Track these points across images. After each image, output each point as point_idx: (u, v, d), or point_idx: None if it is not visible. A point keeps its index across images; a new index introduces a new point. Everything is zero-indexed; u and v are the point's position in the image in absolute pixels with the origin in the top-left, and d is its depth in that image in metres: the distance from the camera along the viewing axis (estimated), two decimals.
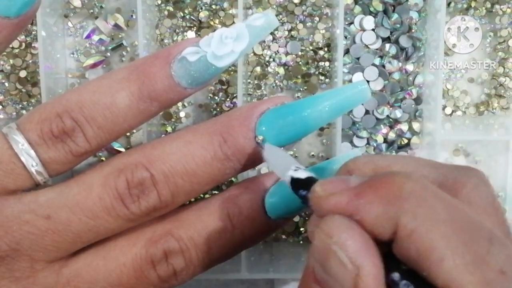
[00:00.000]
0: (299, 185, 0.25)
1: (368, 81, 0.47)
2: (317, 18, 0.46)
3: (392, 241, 0.22)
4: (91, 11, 0.46)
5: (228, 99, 0.47)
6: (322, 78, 0.47)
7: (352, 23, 0.47)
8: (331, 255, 0.22)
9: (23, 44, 0.46)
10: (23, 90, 0.46)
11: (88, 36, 0.46)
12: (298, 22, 0.46)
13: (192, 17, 0.46)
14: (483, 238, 0.21)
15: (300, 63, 0.47)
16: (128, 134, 0.46)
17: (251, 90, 0.47)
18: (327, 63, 0.47)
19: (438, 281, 0.20)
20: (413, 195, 0.21)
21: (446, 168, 0.25)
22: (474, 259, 0.20)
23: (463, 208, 0.22)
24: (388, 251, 0.22)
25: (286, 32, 0.47)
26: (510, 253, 0.21)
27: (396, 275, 0.21)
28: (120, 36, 0.46)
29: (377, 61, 0.47)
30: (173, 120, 0.47)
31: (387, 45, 0.47)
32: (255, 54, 0.47)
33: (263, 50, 0.47)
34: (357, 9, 0.46)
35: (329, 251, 0.22)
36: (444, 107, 0.48)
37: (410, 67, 0.47)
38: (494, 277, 0.20)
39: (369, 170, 0.26)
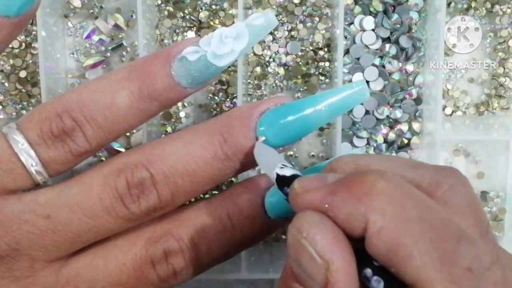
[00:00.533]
0: (284, 182, 0.26)
1: (368, 81, 0.47)
2: (317, 18, 0.46)
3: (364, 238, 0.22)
4: (91, 11, 0.46)
5: (228, 99, 0.47)
6: (322, 78, 0.47)
7: (352, 23, 0.47)
8: (301, 250, 0.22)
9: (23, 44, 0.46)
10: (23, 90, 0.46)
11: (88, 36, 0.46)
12: (298, 22, 0.46)
13: (192, 17, 0.46)
14: (452, 236, 0.21)
15: (300, 63, 0.47)
16: (128, 134, 0.46)
17: (251, 90, 0.47)
18: (327, 63, 0.47)
19: (406, 277, 0.21)
20: (384, 193, 0.22)
21: (425, 168, 0.25)
22: (441, 257, 0.21)
23: (434, 207, 0.22)
24: (362, 248, 0.22)
25: (286, 32, 0.47)
26: (479, 252, 0.21)
27: (368, 271, 0.22)
28: (120, 36, 0.46)
29: (377, 61, 0.47)
30: (173, 120, 0.47)
31: (387, 45, 0.47)
32: (255, 54, 0.47)
33: (263, 50, 0.47)
34: (357, 9, 0.46)
35: (300, 246, 0.22)
36: (444, 107, 0.48)
37: (410, 67, 0.47)
38: (461, 274, 0.20)
39: (351, 168, 0.26)
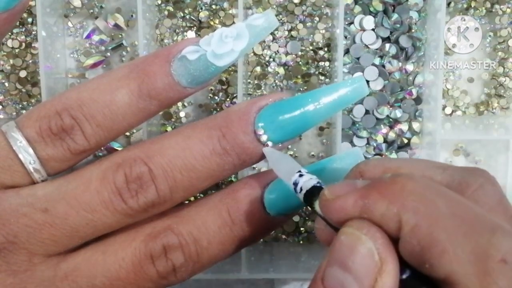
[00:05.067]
0: (308, 195, 0.26)
1: (368, 81, 0.47)
2: (317, 18, 0.46)
3: (398, 239, 0.22)
4: (91, 11, 0.46)
5: (228, 99, 0.47)
6: (322, 78, 0.47)
7: (352, 23, 0.47)
8: (359, 245, 0.22)
9: (23, 44, 0.46)
10: (23, 90, 0.46)
11: (88, 36, 0.46)
12: (298, 22, 0.46)
13: (192, 17, 0.46)
14: (485, 229, 0.21)
15: (300, 63, 0.47)
16: (128, 134, 0.46)
17: (251, 90, 0.47)
18: (327, 63, 0.47)
19: (440, 273, 0.21)
20: (414, 192, 0.22)
21: (453, 170, 0.26)
22: (475, 250, 0.21)
23: (465, 202, 0.23)
24: None
25: (286, 32, 0.47)
26: None
27: (407, 272, 0.22)
28: (120, 36, 0.46)
29: (377, 61, 0.47)
30: (173, 120, 0.47)
31: (387, 45, 0.47)
32: (255, 54, 0.47)
33: (263, 50, 0.47)
34: (357, 9, 0.47)
35: (358, 242, 0.22)
36: (444, 107, 0.48)
37: (410, 67, 0.47)
38: (495, 267, 0.21)
39: (379, 172, 0.27)
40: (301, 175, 0.27)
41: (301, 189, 0.26)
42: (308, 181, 0.26)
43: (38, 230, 0.28)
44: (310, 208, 0.26)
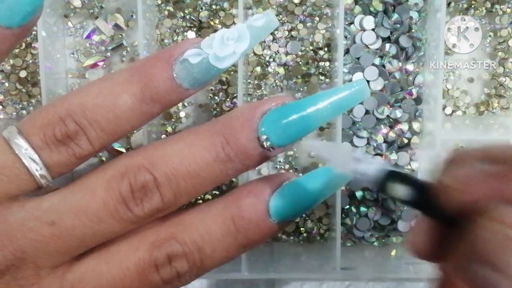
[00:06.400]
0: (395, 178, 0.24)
1: (368, 81, 0.47)
2: (317, 18, 0.46)
3: None
4: (91, 11, 0.46)
5: (228, 99, 0.47)
6: (322, 78, 0.47)
7: (352, 23, 0.47)
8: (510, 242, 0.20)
9: (23, 44, 0.46)
10: (23, 90, 0.46)
11: (88, 36, 0.46)
12: (298, 22, 0.46)
13: (192, 17, 0.46)
14: None
15: (300, 63, 0.47)
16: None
17: (251, 90, 0.47)
18: (327, 63, 0.47)
19: None
20: None
21: None
22: None
23: None
24: None
25: (286, 32, 0.47)
26: None
27: None
28: (120, 36, 0.46)
29: (377, 61, 0.47)
30: (173, 120, 0.47)
31: (387, 45, 0.47)
32: (255, 54, 0.47)
33: (263, 50, 0.47)
34: (357, 9, 0.46)
35: (508, 239, 0.20)
36: (444, 107, 0.48)
37: (410, 67, 0.47)
38: None
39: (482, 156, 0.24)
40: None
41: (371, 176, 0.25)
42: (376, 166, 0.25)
43: (46, 243, 0.28)
44: (387, 195, 0.24)
